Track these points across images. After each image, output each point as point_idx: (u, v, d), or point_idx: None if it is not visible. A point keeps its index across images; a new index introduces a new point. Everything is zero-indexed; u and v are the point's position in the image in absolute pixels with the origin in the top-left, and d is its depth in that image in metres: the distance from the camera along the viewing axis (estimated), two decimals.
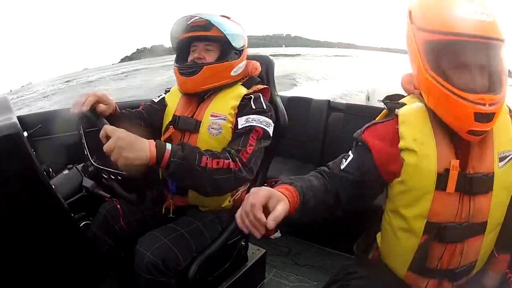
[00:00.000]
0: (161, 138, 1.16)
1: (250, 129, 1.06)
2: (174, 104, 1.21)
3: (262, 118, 1.09)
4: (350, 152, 0.85)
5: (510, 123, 0.78)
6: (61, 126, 1.32)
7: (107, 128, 0.85)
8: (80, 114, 1.03)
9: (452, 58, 0.70)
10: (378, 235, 0.96)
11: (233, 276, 1.33)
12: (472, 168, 0.75)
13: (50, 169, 1.16)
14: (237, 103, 1.12)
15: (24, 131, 0.92)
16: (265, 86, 1.22)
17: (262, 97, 1.15)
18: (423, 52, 0.71)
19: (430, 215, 0.76)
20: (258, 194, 0.66)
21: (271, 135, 1.10)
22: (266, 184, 1.96)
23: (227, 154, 0.98)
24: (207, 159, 0.93)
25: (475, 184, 0.74)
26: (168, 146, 0.90)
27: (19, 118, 1.07)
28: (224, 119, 1.10)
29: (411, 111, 0.78)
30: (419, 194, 0.76)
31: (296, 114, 2.22)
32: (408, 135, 0.75)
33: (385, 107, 0.85)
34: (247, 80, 1.20)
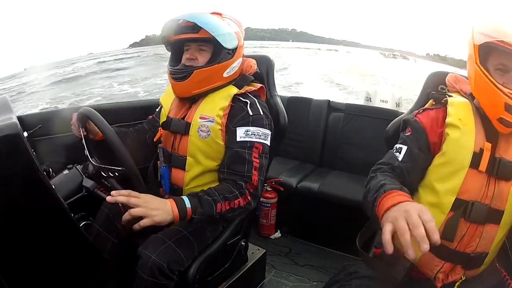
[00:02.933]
0: (154, 139, 1.18)
1: (250, 147, 1.06)
2: (168, 104, 1.21)
3: (261, 131, 1.08)
4: (399, 145, 0.93)
5: None
6: (61, 126, 1.32)
7: (131, 193, 0.89)
8: (79, 115, 1.05)
9: (497, 60, 0.86)
10: None
11: (233, 276, 1.33)
12: (500, 154, 0.86)
13: (50, 169, 1.16)
14: (227, 103, 1.10)
15: (24, 131, 0.92)
16: (260, 85, 1.19)
17: (258, 101, 1.12)
18: (478, 51, 0.87)
19: (461, 191, 0.85)
20: (417, 207, 0.66)
21: (269, 145, 1.11)
22: (266, 184, 1.97)
23: (236, 192, 1.02)
24: (221, 205, 0.99)
25: (501, 168, 0.85)
26: (187, 204, 0.95)
27: (19, 118, 1.07)
28: (213, 121, 1.09)
29: (458, 100, 0.93)
30: (455, 168, 0.86)
31: (296, 114, 2.22)
32: (455, 114, 0.89)
33: (432, 97, 1.00)
34: (239, 79, 1.17)
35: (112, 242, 1.13)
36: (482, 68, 0.85)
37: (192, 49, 1.11)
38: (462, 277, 0.89)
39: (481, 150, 0.85)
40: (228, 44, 1.09)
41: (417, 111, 0.97)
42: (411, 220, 0.63)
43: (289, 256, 1.89)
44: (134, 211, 0.86)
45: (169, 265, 0.98)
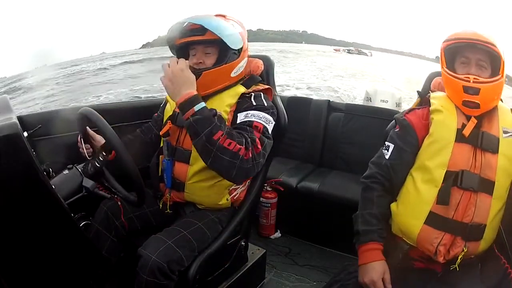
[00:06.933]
0: (160, 132, 1.18)
1: (249, 124, 1.06)
2: None
3: (262, 114, 1.09)
4: (387, 143, 1.05)
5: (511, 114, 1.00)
6: (61, 126, 1.32)
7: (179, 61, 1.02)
8: (79, 115, 1.05)
9: (460, 55, 1.00)
10: (393, 205, 1.02)
11: (233, 276, 1.33)
12: (483, 129, 0.95)
13: (50, 169, 1.16)
14: (234, 101, 1.12)
15: (24, 131, 0.92)
16: (268, 86, 1.21)
17: (263, 95, 1.15)
18: (443, 56, 1.02)
19: (450, 164, 0.93)
20: (377, 270, 0.91)
21: (270, 133, 1.10)
22: (266, 185, 1.96)
23: (243, 139, 0.99)
24: (222, 136, 0.95)
25: (484, 139, 0.94)
26: (197, 107, 0.98)
27: (19, 118, 1.07)
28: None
29: (439, 94, 1.06)
30: (443, 144, 0.95)
31: (296, 114, 2.22)
32: (437, 103, 1.01)
33: (418, 95, 1.13)
34: (247, 79, 1.19)
35: (111, 240, 1.13)
36: (446, 69, 1.01)
37: (198, 53, 1.12)
38: (464, 249, 0.91)
39: (464, 125, 0.95)
40: (234, 44, 1.11)
41: (405, 111, 1.08)
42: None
43: (289, 256, 1.89)
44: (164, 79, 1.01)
45: (170, 265, 0.99)
